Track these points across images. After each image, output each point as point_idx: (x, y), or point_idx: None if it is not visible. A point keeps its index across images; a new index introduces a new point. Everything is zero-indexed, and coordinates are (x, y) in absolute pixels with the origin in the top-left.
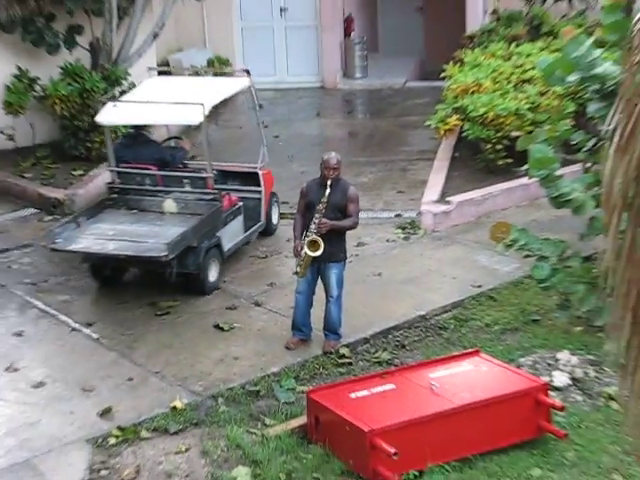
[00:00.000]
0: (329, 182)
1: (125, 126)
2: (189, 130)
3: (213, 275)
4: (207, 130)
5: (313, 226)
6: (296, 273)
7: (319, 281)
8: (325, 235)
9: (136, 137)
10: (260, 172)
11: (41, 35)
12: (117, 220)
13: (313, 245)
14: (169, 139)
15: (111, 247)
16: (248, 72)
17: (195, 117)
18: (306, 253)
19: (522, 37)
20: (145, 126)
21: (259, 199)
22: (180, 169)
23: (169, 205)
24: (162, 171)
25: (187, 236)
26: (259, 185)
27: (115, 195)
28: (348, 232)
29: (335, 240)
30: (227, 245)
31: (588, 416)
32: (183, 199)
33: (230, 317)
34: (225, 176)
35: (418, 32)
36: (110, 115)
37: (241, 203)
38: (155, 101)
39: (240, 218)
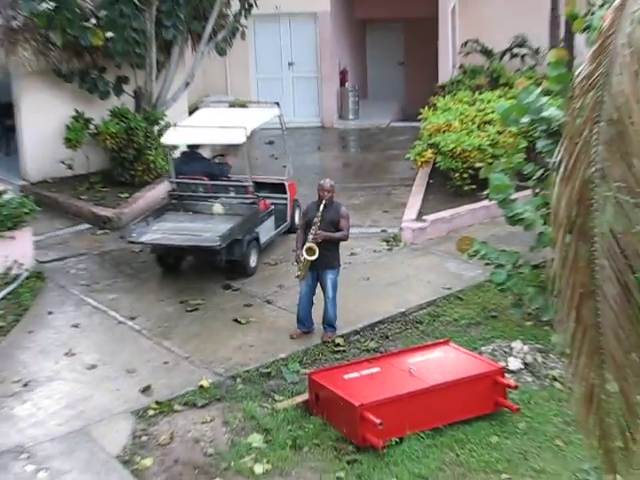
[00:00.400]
0: (324, 201)
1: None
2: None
3: (253, 261)
4: (248, 148)
5: (310, 236)
6: (297, 276)
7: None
8: (322, 246)
9: (190, 155)
10: (286, 183)
11: (95, 84)
12: (177, 219)
13: (310, 251)
14: (216, 156)
15: (176, 239)
16: (278, 104)
17: (239, 138)
18: (304, 257)
19: (484, 87)
20: (198, 145)
21: (285, 204)
22: (225, 180)
23: (217, 208)
24: (211, 181)
25: (234, 231)
26: (285, 193)
27: (174, 200)
28: (342, 244)
29: (330, 250)
30: (263, 239)
31: (536, 394)
32: (228, 203)
33: (246, 313)
34: (258, 186)
35: (400, 82)
36: (171, 137)
37: (272, 207)
38: (206, 126)
39: (272, 218)
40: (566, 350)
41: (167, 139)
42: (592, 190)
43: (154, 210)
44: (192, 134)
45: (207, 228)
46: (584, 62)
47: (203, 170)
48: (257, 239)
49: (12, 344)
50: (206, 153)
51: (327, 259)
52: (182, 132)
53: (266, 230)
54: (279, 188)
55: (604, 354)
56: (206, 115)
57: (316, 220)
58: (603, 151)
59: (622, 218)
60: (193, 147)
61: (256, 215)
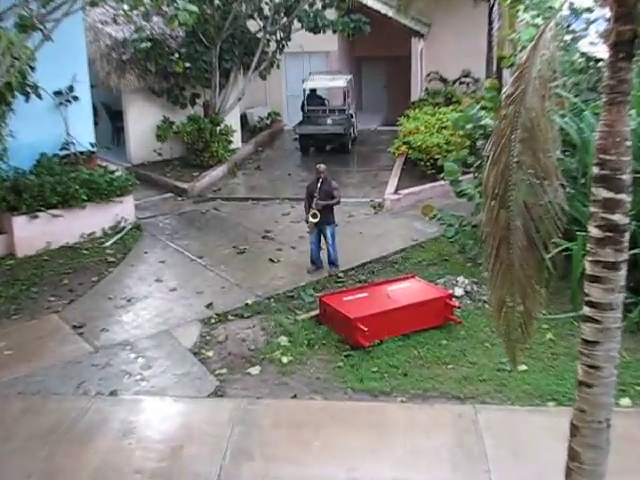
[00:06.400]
0: (320, 179)
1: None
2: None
3: (350, 145)
4: (346, 89)
5: (313, 205)
6: (308, 232)
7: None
8: (321, 209)
9: (312, 94)
10: (354, 114)
11: (177, 98)
12: (310, 126)
13: (314, 216)
14: (321, 97)
15: (321, 130)
16: (350, 73)
17: (341, 83)
18: (310, 220)
19: (441, 104)
20: (316, 89)
21: (355, 122)
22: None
23: (329, 121)
24: (324, 107)
25: (345, 128)
26: (354, 117)
27: (306, 118)
28: (342, 208)
29: (328, 212)
30: (352, 134)
31: (472, 312)
32: (334, 118)
33: (278, 255)
34: (340, 111)
35: (384, 99)
36: (308, 84)
37: (353, 120)
38: (325, 78)
39: (354, 125)
40: (487, 275)
41: (306, 85)
42: (510, 174)
43: (299, 123)
44: (318, 83)
45: (330, 127)
46: (507, 85)
47: (320, 102)
48: (350, 134)
49: (120, 273)
50: (320, 93)
51: (326, 218)
52: (312, 82)
53: (352, 129)
54: (353, 115)
55: (512, 278)
56: (319, 76)
57: (315, 194)
58: (519, 147)
59: (532, 195)
60: (313, 90)
61: (350, 122)
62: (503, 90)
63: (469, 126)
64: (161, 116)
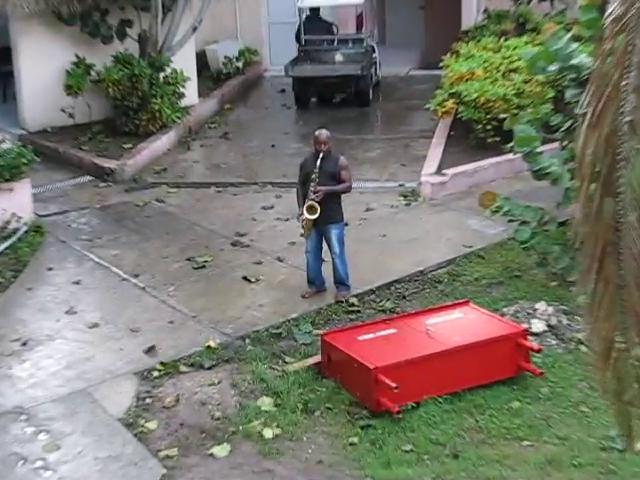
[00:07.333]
0: (321, 155)
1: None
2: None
3: (371, 94)
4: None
5: (311, 193)
6: (302, 235)
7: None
8: (322, 200)
9: (312, 17)
10: (375, 46)
11: (97, 27)
12: (307, 64)
13: (311, 210)
14: (326, 22)
15: (327, 71)
16: None
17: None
18: (306, 216)
19: (510, 32)
20: (318, 10)
21: (377, 61)
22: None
23: (339, 56)
24: (331, 35)
25: (364, 65)
26: (375, 52)
27: (303, 53)
28: (353, 197)
29: (332, 204)
30: (374, 77)
31: (561, 357)
32: (346, 52)
33: (256, 270)
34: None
35: (420, 27)
36: (302, 2)
37: (375, 56)
38: None
39: (376, 63)
40: (586, 302)
41: (303, 3)
42: (620, 141)
43: (292, 60)
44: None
45: (340, 67)
46: (616, 2)
47: (325, 28)
48: (371, 77)
49: (10, 301)
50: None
51: (329, 214)
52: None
53: (373, 71)
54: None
55: (625, 306)
56: None
57: (314, 176)
58: (634, 100)
59: None
60: (314, 11)
61: (370, 60)
62: (608, 10)
63: (554, 67)
64: (72, 56)
